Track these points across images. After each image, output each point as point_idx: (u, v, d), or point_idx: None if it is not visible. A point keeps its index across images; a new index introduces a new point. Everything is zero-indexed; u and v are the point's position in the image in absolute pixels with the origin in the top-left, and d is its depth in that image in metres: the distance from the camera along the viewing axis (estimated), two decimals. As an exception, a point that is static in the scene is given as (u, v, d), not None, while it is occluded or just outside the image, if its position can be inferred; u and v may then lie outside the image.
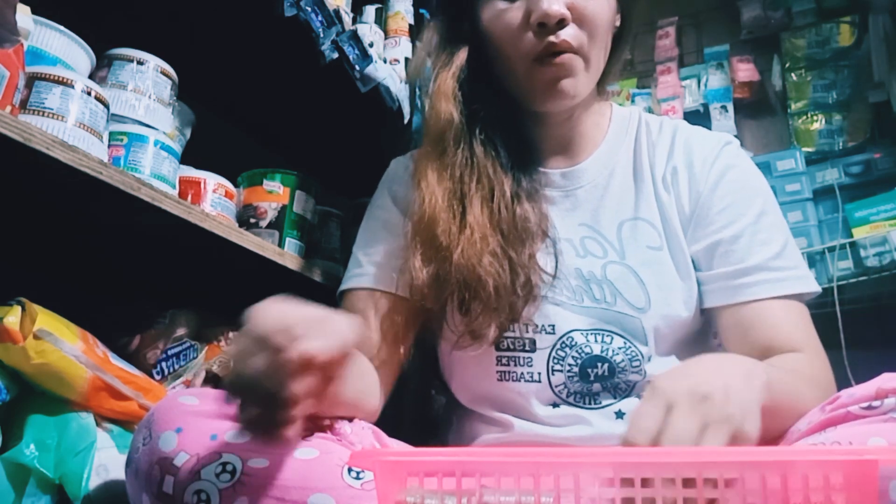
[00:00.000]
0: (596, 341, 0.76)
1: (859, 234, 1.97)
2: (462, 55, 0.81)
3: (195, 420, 0.56)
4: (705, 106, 2.56)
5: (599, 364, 0.76)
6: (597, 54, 0.78)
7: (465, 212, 0.77)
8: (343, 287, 0.85)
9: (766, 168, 2.18)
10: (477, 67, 0.82)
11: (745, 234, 0.77)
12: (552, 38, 0.74)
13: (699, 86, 2.62)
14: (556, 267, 0.77)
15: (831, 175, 2.18)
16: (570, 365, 0.76)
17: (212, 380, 0.95)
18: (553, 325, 0.77)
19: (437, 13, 0.89)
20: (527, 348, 0.77)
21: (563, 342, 0.77)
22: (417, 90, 1.40)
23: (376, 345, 0.79)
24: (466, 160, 0.79)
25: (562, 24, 0.74)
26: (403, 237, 0.80)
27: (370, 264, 0.83)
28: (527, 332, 0.77)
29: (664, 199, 0.81)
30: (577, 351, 0.76)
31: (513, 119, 0.83)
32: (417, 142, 1.31)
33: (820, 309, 1.90)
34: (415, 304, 0.77)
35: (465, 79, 0.81)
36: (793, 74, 2.44)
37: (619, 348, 0.76)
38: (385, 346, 0.79)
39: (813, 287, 0.77)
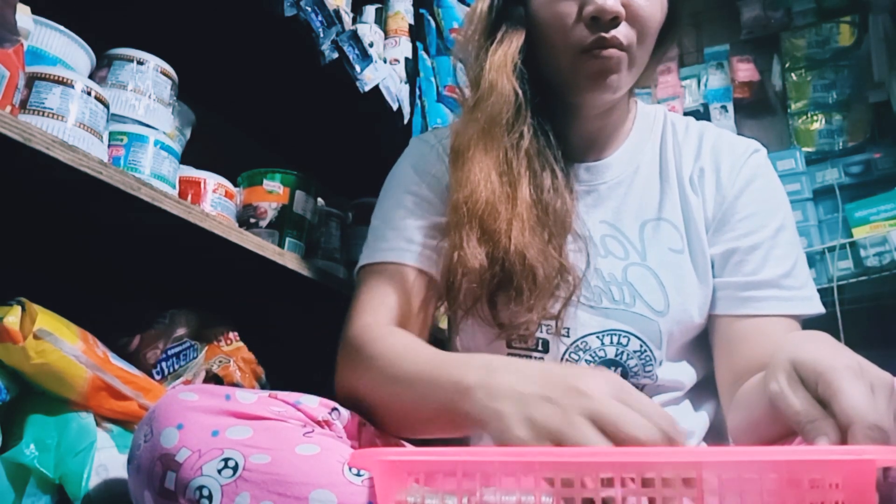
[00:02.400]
0: (611, 343, 0.76)
1: (859, 234, 1.97)
2: (520, 36, 0.79)
3: (196, 416, 0.56)
4: (705, 106, 2.57)
5: (613, 368, 0.75)
6: (642, 54, 0.77)
7: (515, 200, 0.74)
8: (373, 259, 0.80)
9: (766, 168, 2.18)
10: (526, 54, 0.79)
11: (763, 246, 0.77)
12: (604, 34, 0.73)
13: (699, 86, 2.62)
14: (587, 268, 0.76)
15: (831, 175, 2.18)
16: None
17: (212, 380, 0.95)
18: (568, 329, 0.76)
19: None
20: (539, 349, 0.77)
21: (578, 346, 0.76)
22: (418, 89, 1.40)
23: (407, 323, 0.76)
24: (516, 144, 0.76)
25: (615, 21, 0.73)
26: (448, 214, 0.76)
27: (402, 239, 0.79)
28: (541, 332, 0.76)
29: (691, 201, 0.80)
30: (590, 355, 0.76)
31: (550, 110, 0.81)
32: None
33: (820, 309, 1.91)
34: (440, 283, 0.75)
35: (519, 61, 0.78)
36: (793, 74, 2.45)
37: (635, 352, 0.75)
38: (416, 326, 0.77)
39: (817, 309, 0.76)
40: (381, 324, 0.74)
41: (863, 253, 1.93)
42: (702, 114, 2.56)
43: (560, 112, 0.82)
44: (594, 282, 0.77)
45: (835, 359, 0.47)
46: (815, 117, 2.37)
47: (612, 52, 0.73)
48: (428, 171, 0.84)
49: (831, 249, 1.99)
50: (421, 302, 0.77)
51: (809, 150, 2.31)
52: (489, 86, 0.77)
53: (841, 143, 2.30)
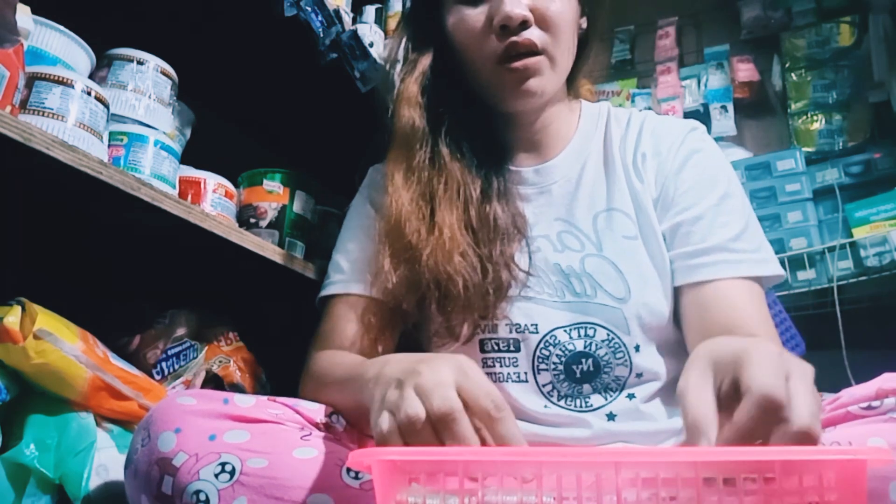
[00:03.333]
0: (579, 336, 0.77)
1: (859, 234, 1.97)
2: (426, 60, 0.83)
3: (194, 420, 0.56)
4: (705, 106, 2.56)
5: (584, 360, 0.76)
6: (562, 54, 0.80)
7: (433, 213, 0.78)
8: (323, 293, 0.86)
9: (766, 168, 2.18)
10: (443, 71, 0.83)
11: (707, 215, 0.78)
12: (515, 39, 0.76)
13: (699, 86, 2.62)
14: (531, 264, 0.78)
15: (831, 175, 2.17)
16: (554, 363, 0.77)
17: (212, 380, 0.95)
18: (536, 325, 0.77)
19: (404, 20, 0.91)
20: (511, 348, 0.78)
21: (547, 340, 0.77)
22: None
23: (357, 348, 0.80)
24: (433, 163, 0.80)
25: (524, 25, 0.76)
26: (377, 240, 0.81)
27: (349, 269, 0.85)
28: (510, 332, 0.78)
29: (637, 188, 0.82)
30: (560, 349, 0.77)
31: (482, 121, 0.85)
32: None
33: (820, 309, 1.90)
34: (388, 305, 0.78)
35: (428, 84, 0.83)
36: (793, 74, 2.44)
37: (603, 341, 0.76)
38: (362, 348, 0.80)
39: (774, 270, 0.76)
40: (330, 351, 0.79)
41: (863, 253, 1.93)
42: (702, 114, 2.55)
43: (499, 121, 0.86)
44: (554, 277, 0.79)
45: (757, 345, 0.46)
46: (815, 117, 2.37)
47: (529, 60, 0.77)
48: (375, 199, 0.88)
49: (831, 249, 1.99)
50: (374, 326, 0.80)
51: (809, 150, 2.31)
52: (398, 115, 0.83)
53: (841, 143, 2.29)
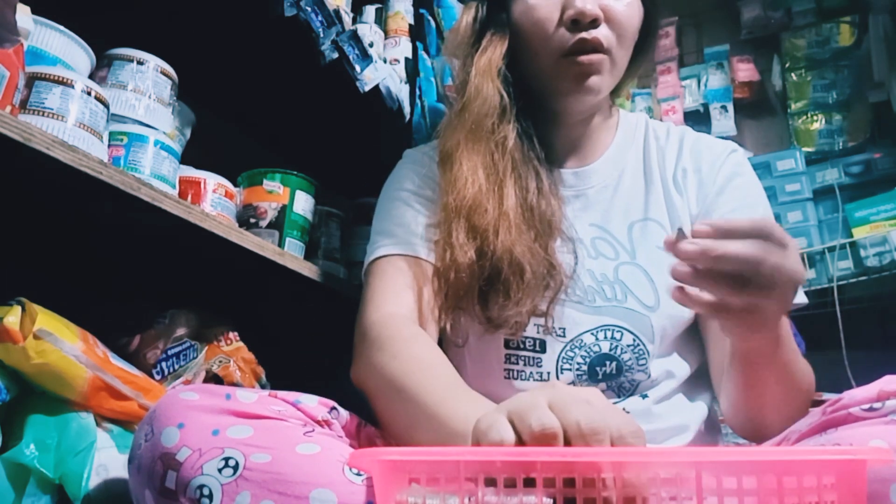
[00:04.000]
0: (605, 338, 0.77)
1: (859, 234, 1.97)
2: (504, 42, 0.82)
3: (197, 415, 0.56)
4: (705, 106, 2.57)
5: (608, 362, 0.77)
6: (622, 56, 0.81)
7: (501, 199, 0.77)
8: (386, 252, 0.81)
9: (766, 168, 2.18)
10: (512, 60, 0.83)
11: None
12: (584, 35, 0.76)
13: (699, 86, 2.62)
14: (575, 267, 0.79)
15: (831, 175, 2.18)
16: (578, 364, 0.77)
17: (212, 380, 0.95)
18: (564, 329, 0.78)
19: (478, 6, 0.87)
20: (537, 348, 0.78)
21: (574, 344, 0.78)
22: (418, 89, 1.40)
23: (415, 314, 0.77)
24: (501, 146, 0.80)
25: (595, 23, 0.77)
26: (439, 213, 0.79)
27: (412, 234, 0.81)
28: (538, 332, 0.78)
29: (676, 201, 0.83)
30: (585, 350, 0.77)
31: (534, 115, 0.84)
32: (418, 141, 1.31)
33: (820, 309, 1.90)
34: (452, 281, 0.76)
35: (503, 67, 0.82)
36: (793, 74, 2.45)
37: (628, 346, 0.77)
38: (432, 321, 0.78)
39: (800, 299, 0.78)
40: (404, 317, 0.75)
41: (863, 253, 1.93)
42: (702, 114, 2.56)
43: (544, 119, 0.86)
44: (587, 282, 0.79)
45: None
46: (815, 117, 2.37)
47: (594, 56, 0.77)
48: (425, 174, 0.87)
49: (831, 249, 1.99)
50: (434, 293, 0.78)
51: (809, 150, 2.31)
52: (475, 90, 0.81)
53: (841, 143, 2.30)
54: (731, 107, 2.52)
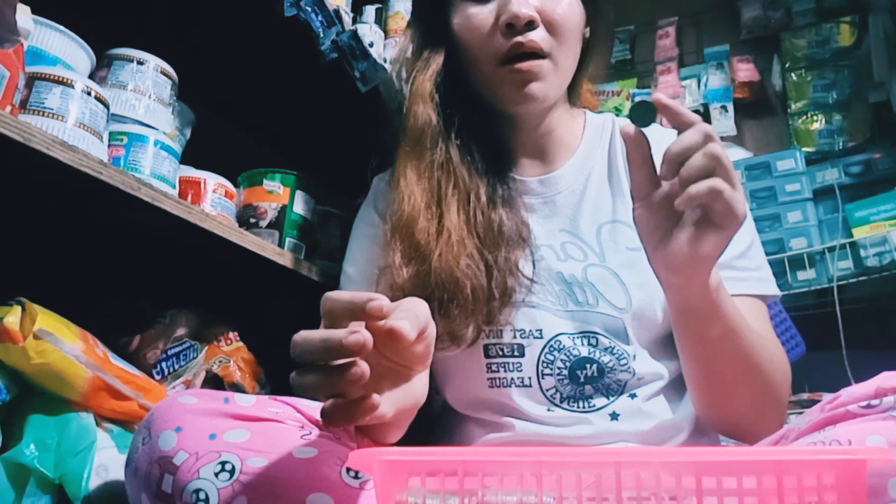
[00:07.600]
0: (583, 344, 0.77)
1: (859, 234, 1.97)
2: (439, 59, 0.83)
3: (194, 419, 0.56)
4: (705, 106, 2.56)
5: (588, 365, 0.76)
6: (566, 59, 0.80)
7: (442, 215, 0.77)
8: None
9: (766, 168, 2.18)
10: (450, 72, 0.83)
11: None
12: (520, 39, 0.76)
13: (699, 86, 2.62)
14: (535, 271, 0.78)
15: (831, 175, 2.17)
16: (559, 368, 0.77)
17: (212, 380, 0.95)
18: (540, 330, 0.77)
19: (413, 18, 0.90)
20: (515, 353, 0.78)
21: (551, 346, 0.77)
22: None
23: None
24: (443, 163, 0.80)
25: (530, 26, 0.76)
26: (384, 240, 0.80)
27: (358, 276, 0.85)
28: (514, 337, 0.78)
29: None
30: (565, 354, 0.77)
31: (487, 125, 0.84)
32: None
33: (820, 309, 1.90)
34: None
35: (441, 82, 0.82)
36: (793, 74, 2.44)
37: (606, 349, 0.77)
38: None
39: (773, 290, 0.78)
40: None
41: (863, 253, 1.93)
42: (702, 114, 2.55)
43: (503, 126, 0.85)
44: (557, 286, 0.79)
45: None
46: (815, 117, 2.37)
47: (532, 63, 0.76)
48: (382, 209, 0.87)
49: (831, 249, 1.99)
50: None
51: (809, 150, 2.31)
52: (410, 113, 0.82)
53: (841, 143, 2.29)
54: (731, 107, 2.52)
